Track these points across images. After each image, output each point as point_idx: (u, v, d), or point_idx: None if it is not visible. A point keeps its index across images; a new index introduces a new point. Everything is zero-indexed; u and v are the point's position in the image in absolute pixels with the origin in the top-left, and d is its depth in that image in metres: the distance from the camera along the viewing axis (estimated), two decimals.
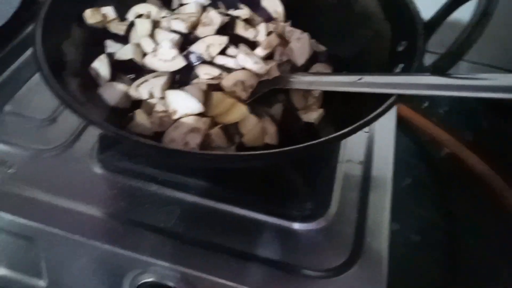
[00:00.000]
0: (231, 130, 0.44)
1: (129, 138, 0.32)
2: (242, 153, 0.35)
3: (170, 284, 0.42)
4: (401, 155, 0.75)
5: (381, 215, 0.46)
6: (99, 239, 0.43)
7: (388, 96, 0.36)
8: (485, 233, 0.67)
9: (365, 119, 0.34)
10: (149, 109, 0.45)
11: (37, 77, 0.59)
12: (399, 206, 0.69)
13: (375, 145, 0.53)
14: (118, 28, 0.52)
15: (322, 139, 0.32)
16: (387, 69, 0.43)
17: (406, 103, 0.80)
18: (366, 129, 0.54)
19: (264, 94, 0.47)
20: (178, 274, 0.42)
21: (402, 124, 0.79)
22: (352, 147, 0.53)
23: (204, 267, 0.42)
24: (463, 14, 0.38)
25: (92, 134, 0.52)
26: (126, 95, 0.47)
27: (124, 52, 0.49)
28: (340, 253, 0.43)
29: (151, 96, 0.46)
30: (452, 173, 0.74)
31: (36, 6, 0.67)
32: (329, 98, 0.49)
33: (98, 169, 0.50)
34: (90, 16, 0.49)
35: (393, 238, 0.64)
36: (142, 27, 0.51)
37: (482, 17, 0.33)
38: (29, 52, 0.63)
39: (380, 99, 0.37)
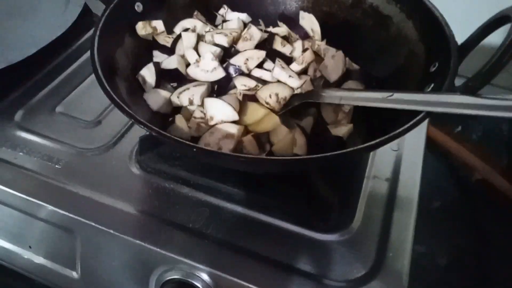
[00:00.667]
0: (263, 139, 0.46)
1: (170, 138, 0.35)
2: (270, 157, 0.36)
3: (195, 282, 0.44)
4: (432, 179, 0.75)
5: (404, 233, 0.46)
6: (132, 235, 0.46)
7: (417, 113, 0.37)
8: None
9: (391, 134, 0.35)
10: (188, 115, 0.49)
11: (87, 82, 0.65)
12: (427, 229, 0.69)
13: (402, 164, 0.54)
14: (166, 40, 0.56)
15: (349, 149, 0.34)
16: (418, 89, 0.44)
17: (440, 127, 0.80)
18: (395, 147, 0.55)
19: (296, 106, 0.49)
20: (203, 274, 0.44)
21: (434, 148, 0.79)
22: (380, 164, 0.54)
23: (228, 268, 0.43)
24: (498, 39, 0.39)
25: (133, 137, 0.56)
26: (168, 101, 0.50)
27: (169, 62, 0.53)
28: (361, 266, 0.43)
29: (191, 103, 0.49)
30: (482, 198, 0.73)
31: (90, 18, 0.74)
32: (359, 115, 0.51)
33: (136, 170, 0.53)
34: (142, 28, 0.54)
35: (419, 260, 0.64)
36: (187, 40, 0.54)
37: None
38: (82, 59, 0.69)
39: (409, 117, 0.38)
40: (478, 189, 0.74)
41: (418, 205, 0.50)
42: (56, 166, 0.53)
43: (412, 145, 0.56)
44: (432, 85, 0.42)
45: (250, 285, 0.42)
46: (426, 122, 0.60)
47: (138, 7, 0.54)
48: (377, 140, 0.35)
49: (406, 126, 0.35)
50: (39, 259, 0.54)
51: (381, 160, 0.54)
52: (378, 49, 0.55)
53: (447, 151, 0.79)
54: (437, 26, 0.46)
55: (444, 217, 0.71)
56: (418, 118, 0.36)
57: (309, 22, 0.61)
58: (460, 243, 0.67)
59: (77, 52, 0.70)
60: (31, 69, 0.65)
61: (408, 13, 0.51)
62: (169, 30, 0.58)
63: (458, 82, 0.40)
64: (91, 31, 0.47)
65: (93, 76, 0.42)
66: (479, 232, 0.70)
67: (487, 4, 0.61)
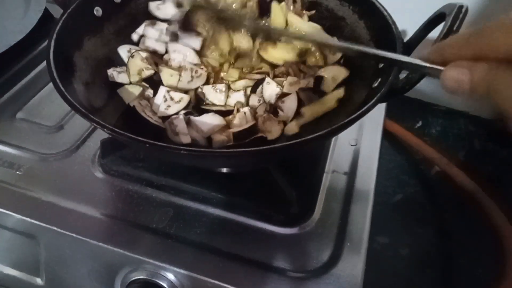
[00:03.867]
0: None
1: (122, 134, 0.35)
2: (216, 150, 0.37)
3: (160, 282, 0.45)
4: (394, 172, 0.78)
5: (361, 224, 0.48)
6: (95, 237, 0.46)
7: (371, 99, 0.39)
8: (475, 250, 0.68)
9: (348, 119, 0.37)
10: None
11: (49, 87, 0.64)
12: (390, 221, 0.71)
13: (360, 158, 0.56)
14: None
15: (306, 138, 0.35)
16: (368, 83, 0.46)
17: (401, 122, 0.83)
18: (353, 142, 0.57)
19: None
20: (168, 273, 0.45)
21: (395, 142, 0.82)
22: (339, 158, 0.56)
23: (192, 266, 0.44)
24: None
25: (96, 141, 0.56)
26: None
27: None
28: (321, 256, 0.45)
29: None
30: (443, 190, 0.76)
31: (52, 23, 0.73)
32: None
33: (99, 173, 0.53)
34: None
35: (382, 251, 0.67)
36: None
37: (448, 34, 0.36)
38: (43, 64, 0.68)
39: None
40: (438, 181, 0.77)
41: (375, 197, 0.52)
42: (17, 172, 0.53)
43: (369, 140, 0.59)
44: (380, 80, 0.44)
45: (214, 281, 0.43)
46: (382, 117, 0.63)
47: (97, 11, 0.54)
48: (336, 126, 0.36)
49: (363, 109, 0.37)
50: (2, 268, 0.53)
51: (339, 155, 0.56)
52: None
53: (408, 146, 0.82)
54: (385, 25, 0.48)
55: (406, 209, 0.73)
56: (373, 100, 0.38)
57: None
58: (421, 234, 0.70)
59: (38, 57, 0.69)
60: None
61: (360, 14, 0.54)
62: (127, 37, 0.58)
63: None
64: None
65: None
66: (440, 223, 0.73)
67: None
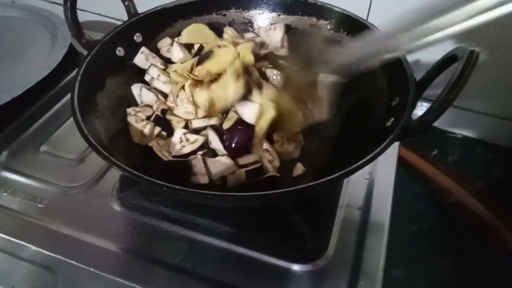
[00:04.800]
0: None
1: (141, 177, 0.37)
2: (234, 194, 0.38)
3: None
4: (409, 202, 0.77)
5: (376, 260, 0.48)
6: (112, 272, 0.47)
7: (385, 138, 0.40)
8: (495, 281, 0.66)
9: (362, 160, 0.37)
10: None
11: (71, 121, 0.66)
12: (406, 253, 0.70)
13: (374, 192, 0.56)
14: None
15: (323, 180, 0.36)
16: (381, 122, 0.47)
17: (416, 151, 0.83)
18: (367, 176, 0.58)
19: None
20: None
21: (411, 171, 0.81)
22: (352, 192, 0.56)
23: None
24: None
25: (115, 174, 0.58)
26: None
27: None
28: None
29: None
30: (460, 221, 0.75)
31: (77, 56, 0.77)
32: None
33: (117, 206, 0.55)
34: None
35: (399, 285, 0.65)
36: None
37: (460, 78, 0.37)
38: (67, 97, 0.71)
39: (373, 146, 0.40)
40: (455, 211, 0.76)
41: (390, 227, 0.51)
42: (39, 205, 0.55)
43: (383, 172, 0.59)
44: (393, 119, 0.44)
45: None
46: (396, 151, 0.63)
47: (119, 51, 0.57)
48: (349, 168, 0.37)
49: (376, 151, 0.38)
50: None
51: (353, 189, 0.56)
52: (346, 84, 0.58)
53: (424, 175, 0.81)
54: (398, 62, 0.49)
55: (423, 240, 0.72)
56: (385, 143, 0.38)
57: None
58: (439, 266, 0.69)
59: (62, 90, 0.73)
60: (17, 110, 0.68)
61: None
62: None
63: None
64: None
65: None
66: (458, 254, 0.71)
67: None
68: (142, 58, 0.59)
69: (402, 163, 0.79)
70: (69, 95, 0.70)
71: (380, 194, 0.56)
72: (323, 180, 0.36)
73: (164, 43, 0.61)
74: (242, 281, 0.46)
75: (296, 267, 0.48)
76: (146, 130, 0.53)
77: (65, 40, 0.75)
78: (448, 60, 0.44)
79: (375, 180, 0.58)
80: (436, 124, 0.87)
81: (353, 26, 0.58)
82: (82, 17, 0.54)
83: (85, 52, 0.53)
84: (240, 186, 0.47)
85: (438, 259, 0.70)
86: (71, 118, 0.66)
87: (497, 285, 0.65)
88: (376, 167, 0.59)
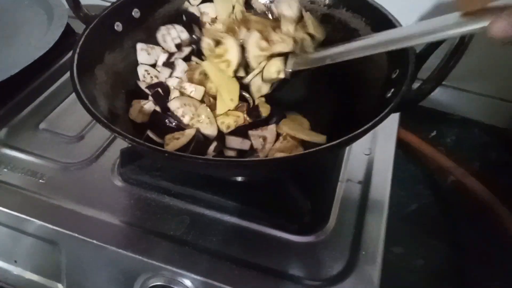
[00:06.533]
0: None
1: (142, 144, 0.37)
2: (233, 159, 0.38)
3: None
4: (408, 182, 0.78)
5: (376, 233, 0.49)
6: (115, 244, 0.48)
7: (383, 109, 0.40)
8: (490, 261, 0.67)
9: (362, 128, 0.37)
10: None
11: (70, 99, 0.67)
12: (404, 231, 0.71)
13: (374, 167, 0.57)
14: None
15: (322, 147, 0.36)
16: (380, 93, 0.47)
17: (415, 132, 0.83)
18: (367, 151, 0.58)
19: None
20: (185, 279, 0.46)
21: (409, 152, 0.82)
22: (353, 167, 0.56)
23: (208, 273, 0.45)
24: None
25: (115, 150, 0.58)
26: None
27: None
28: (336, 265, 0.46)
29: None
30: (457, 201, 0.75)
31: (73, 37, 0.76)
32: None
33: (118, 182, 0.55)
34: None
35: (396, 261, 0.66)
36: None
37: (459, 46, 0.37)
38: (65, 77, 0.71)
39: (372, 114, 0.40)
40: (453, 191, 0.77)
41: (389, 207, 0.52)
42: (40, 180, 0.55)
43: (383, 149, 0.59)
44: (393, 90, 0.45)
45: None
46: (396, 127, 0.63)
47: (118, 26, 0.56)
48: (349, 136, 0.37)
49: (376, 119, 0.38)
50: (25, 273, 0.55)
51: (353, 164, 0.57)
52: (347, 60, 0.58)
53: (423, 155, 0.81)
54: None
55: (421, 220, 0.73)
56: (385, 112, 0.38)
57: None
58: (436, 244, 0.70)
59: (60, 70, 0.72)
60: (14, 89, 0.67)
61: (372, 26, 0.55)
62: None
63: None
64: None
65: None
66: (455, 234, 0.72)
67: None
68: (144, 55, 0.59)
69: (401, 144, 0.80)
70: (66, 75, 0.71)
71: (379, 170, 0.56)
72: (324, 146, 0.36)
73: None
74: (243, 252, 0.47)
75: (297, 239, 0.48)
76: (147, 107, 0.53)
77: (61, 19, 0.74)
78: None
79: (375, 156, 0.58)
80: (434, 105, 0.88)
81: (352, 1, 0.57)
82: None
83: (81, 33, 0.52)
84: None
85: (435, 238, 0.71)
86: (70, 97, 0.67)
87: (492, 266, 0.65)
88: (376, 143, 0.60)
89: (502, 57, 0.74)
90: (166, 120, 0.51)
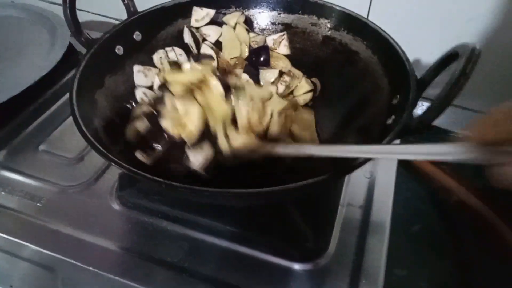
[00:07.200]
0: None
1: (139, 174, 0.36)
2: (234, 190, 0.37)
3: None
4: (411, 202, 0.77)
5: (378, 259, 0.48)
6: (112, 272, 0.47)
7: None
8: (496, 281, 0.66)
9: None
10: None
11: (70, 120, 0.66)
12: (408, 252, 0.70)
13: (375, 190, 0.56)
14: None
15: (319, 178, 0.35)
16: (381, 120, 0.47)
17: None
18: (368, 174, 0.57)
19: None
20: None
21: (412, 170, 0.81)
22: (353, 191, 0.56)
23: None
24: None
25: (114, 173, 0.58)
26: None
27: None
28: None
29: None
30: (462, 220, 0.74)
31: (76, 56, 0.77)
32: None
33: (116, 205, 0.54)
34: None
35: (400, 284, 0.65)
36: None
37: (461, 76, 0.37)
38: (66, 97, 0.71)
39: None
40: (457, 211, 0.76)
41: (392, 227, 0.51)
42: (38, 204, 0.54)
43: (384, 171, 0.58)
44: (393, 117, 0.44)
45: None
46: None
47: (119, 50, 0.56)
48: (350, 165, 0.36)
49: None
50: None
51: (354, 188, 0.56)
52: (347, 82, 0.58)
53: (425, 174, 0.81)
54: (399, 61, 0.49)
55: (425, 240, 0.72)
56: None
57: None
58: (440, 266, 0.68)
59: (61, 90, 0.72)
60: (15, 109, 0.67)
61: (373, 49, 0.55)
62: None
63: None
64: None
65: None
66: (460, 254, 0.71)
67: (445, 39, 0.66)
68: (141, 77, 0.59)
69: (403, 163, 0.79)
70: (67, 95, 0.71)
71: (381, 193, 0.56)
72: (326, 176, 0.35)
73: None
74: (242, 280, 0.46)
75: (297, 266, 0.47)
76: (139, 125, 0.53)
77: (64, 39, 0.74)
78: (449, 57, 0.43)
79: (376, 179, 0.57)
80: (436, 123, 0.87)
81: (353, 24, 0.57)
82: (81, 17, 0.53)
83: (84, 52, 0.52)
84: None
85: (439, 259, 0.69)
86: (70, 118, 0.67)
87: (498, 285, 0.64)
88: (377, 166, 0.59)
89: (505, 76, 0.74)
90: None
